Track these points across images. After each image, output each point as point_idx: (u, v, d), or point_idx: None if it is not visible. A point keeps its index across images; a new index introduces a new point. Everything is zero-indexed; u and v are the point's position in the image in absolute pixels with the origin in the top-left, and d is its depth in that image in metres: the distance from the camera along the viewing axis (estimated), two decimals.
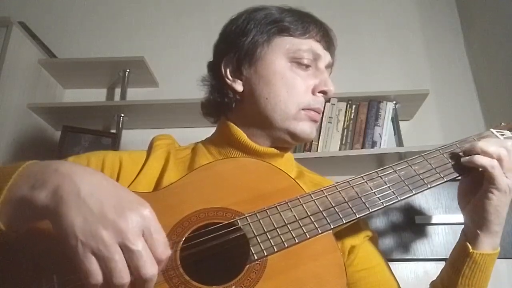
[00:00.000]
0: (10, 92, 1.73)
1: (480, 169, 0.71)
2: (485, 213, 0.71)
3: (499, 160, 0.70)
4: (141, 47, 2.10)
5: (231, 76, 0.84)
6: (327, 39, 0.85)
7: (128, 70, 1.97)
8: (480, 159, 0.71)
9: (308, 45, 0.81)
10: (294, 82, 0.80)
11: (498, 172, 0.70)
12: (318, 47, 0.82)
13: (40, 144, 1.90)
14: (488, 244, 0.73)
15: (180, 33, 2.18)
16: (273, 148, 0.83)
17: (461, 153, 0.76)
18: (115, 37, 2.18)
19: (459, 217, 1.34)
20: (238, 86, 0.83)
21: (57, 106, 1.92)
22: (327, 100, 1.79)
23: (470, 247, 0.73)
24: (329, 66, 0.86)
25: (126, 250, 0.48)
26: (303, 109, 0.80)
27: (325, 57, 0.84)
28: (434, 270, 1.34)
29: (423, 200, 1.38)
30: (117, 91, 2.08)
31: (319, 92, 0.81)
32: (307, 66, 0.81)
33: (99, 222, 0.48)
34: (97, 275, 0.47)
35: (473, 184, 0.75)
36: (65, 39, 2.16)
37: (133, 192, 0.55)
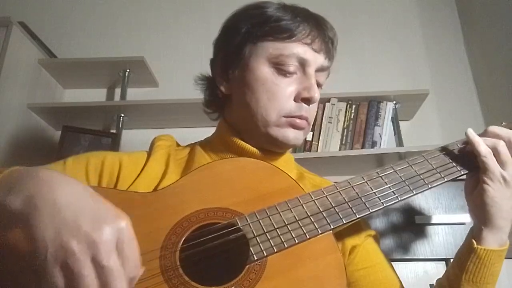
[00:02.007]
0: (10, 92, 1.73)
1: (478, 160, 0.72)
2: (485, 206, 0.70)
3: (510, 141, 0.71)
4: (141, 47, 2.10)
5: (219, 77, 0.84)
6: (320, 40, 0.80)
7: (128, 70, 1.97)
8: (479, 145, 0.71)
9: (293, 50, 0.77)
10: (276, 89, 0.77)
11: (491, 162, 0.70)
12: (305, 51, 0.78)
13: (40, 144, 1.90)
14: (494, 239, 0.71)
15: (180, 33, 2.18)
16: (268, 150, 0.83)
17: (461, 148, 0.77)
18: (115, 37, 2.18)
19: (459, 217, 1.36)
20: (225, 89, 0.84)
21: (57, 106, 1.92)
22: (327, 100, 1.79)
23: (474, 242, 0.71)
24: (323, 70, 0.82)
25: (97, 265, 0.45)
26: (284, 116, 0.78)
27: (315, 61, 0.79)
28: (434, 270, 1.35)
29: (423, 200, 1.39)
30: (117, 91, 2.08)
31: (301, 99, 0.79)
32: (292, 71, 0.78)
33: (72, 233, 0.44)
34: None
35: (478, 181, 0.74)
36: (65, 39, 2.16)
37: (133, 192, 0.53)
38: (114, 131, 1.93)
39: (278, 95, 0.78)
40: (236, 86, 0.82)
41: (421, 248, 1.34)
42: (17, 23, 1.80)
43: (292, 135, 0.79)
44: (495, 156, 0.71)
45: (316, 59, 0.80)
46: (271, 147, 0.83)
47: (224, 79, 0.84)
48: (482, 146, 0.71)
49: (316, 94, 0.78)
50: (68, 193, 0.48)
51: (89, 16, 2.23)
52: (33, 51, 1.90)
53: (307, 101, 0.79)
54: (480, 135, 0.75)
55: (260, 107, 0.78)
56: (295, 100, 0.79)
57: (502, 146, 0.71)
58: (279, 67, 0.78)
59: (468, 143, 0.74)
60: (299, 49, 0.78)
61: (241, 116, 0.82)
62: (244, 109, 0.80)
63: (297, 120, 0.78)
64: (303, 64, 0.79)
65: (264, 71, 0.78)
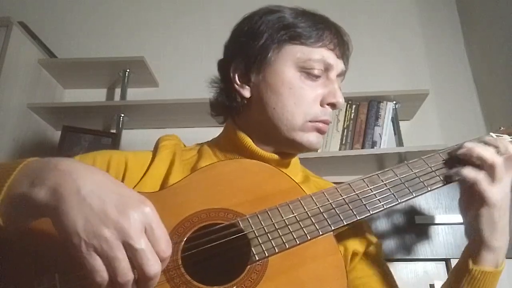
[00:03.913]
0: (10, 92, 1.73)
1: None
2: (480, 231, 0.69)
3: (492, 166, 0.68)
4: (141, 47, 2.10)
5: (239, 81, 0.82)
6: (341, 47, 0.81)
7: (128, 70, 1.97)
8: (465, 172, 0.69)
9: (320, 55, 0.78)
10: (303, 93, 0.77)
11: (484, 186, 0.67)
12: (330, 56, 0.79)
13: (40, 144, 1.90)
14: (490, 260, 0.69)
15: (180, 33, 2.18)
16: (278, 155, 0.82)
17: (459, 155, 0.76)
18: (115, 37, 2.17)
19: (459, 217, 1.34)
20: (246, 92, 0.81)
21: (57, 106, 1.92)
22: None
23: (470, 263, 0.70)
24: (341, 74, 0.83)
25: (129, 248, 0.48)
26: (310, 121, 0.78)
27: (337, 66, 0.81)
28: (434, 270, 1.35)
29: (423, 200, 1.39)
30: (117, 91, 2.08)
31: (327, 104, 0.79)
32: (317, 76, 0.78)
33: (101, 220, 0.48)
34: (103, 273, 0.47)
35: (471, 196, 0.71)
36: (65, 39, 2.16)
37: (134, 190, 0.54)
38: (114, 131, 1.93)
39: (305, 99, 0.78)
40: (259, 90, 0.80)
41: (421, 248, 1.34)
42: (17, 23, 1.79)
43: (316, 140, 0.80)
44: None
45: (338, 64, 0.81)
46: (291, 150, 0.83)
47: (245, 82, 0.82)
48: (470, 172, 0.69)
49: (341, 99, 0.80)
50: (90, 180, 0.51)
51: (89, 16, 2.23)
52: (33, 51, 1.90)
53: (333, 106, 0.80)
54: (466, 154, 0.72)
55: (286, 111, 0.77)
56: (320, 104, 0.79)
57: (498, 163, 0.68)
58: (306, 71, 0.78)
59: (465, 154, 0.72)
60: (325, 54, 0.78)
61: (262, 120, 0.80)
62: (266, 113, 0.79)
63: (321, 125, 0.79)
64: (327, 69, 0.79)
65: (290, 74, 0.78)
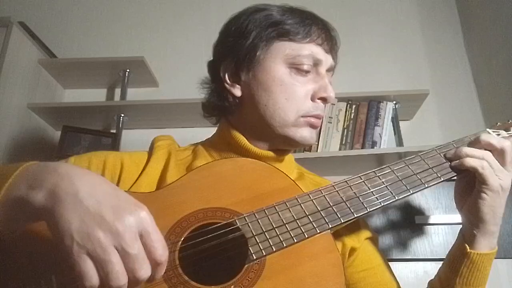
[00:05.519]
0: (10, 92, 1.73)
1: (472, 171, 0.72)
2: (480, 213, 0.72)
3: (503, 151, 0.72)
4: (141, 47, 2.10)
5: (229, 80, 0.83)
6: (329, 41, 0.82)
7: (128, 70, 1.97)
8: (469, 161, 0.72)
9: (309, 50, 0.78)
10: (293, 89, 0.78)
11: (488, 172, 0.70)
12: (319, 51, 0.80)
13: (40, 144, 1.90)
14: (485, 243, 0.73)
15: (180, 33, 2.18)
16: (272, 152, 0.83)
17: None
18: (115, 37, 2.18)
19: (459, 217, 1.34)
20: (237, 91, 0.82)
21: (57, 106, 1.91)
22: None
23: (467, 247, 0.73)
24: (331, 69, 0.84)
25: (123, 253, 0.47)
26: (302, 116, 0.78)
27: (326, 61, 0.81)
28: (434, 270, 1.32)
29: (423, 200, 1.39)
30: (117, 91, 2.08)
31: (318, 99, 0.80)
32: (307, 71, 0.79)
33: (96, 223, 0.47)
34: (92, 277, 0.46)
35: (469, 184, 0.75)
36: (65, 39, 2.16)
37: (131, 193, 0.54)
38: (114, 131, 1.93)
39: (296, 95, 0.78)
40: (249, 88, 0.81)
41: (421, 248, 1.34)
42: (17, 23, 1.79)
43: (309, 135, 0.80)
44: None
45: (327, 59, 0.82)
46: (285, 146, 0.84)
47: (235, 81, 0.82)
48: (473, 160, 0.72)
49: (332, 93, 0.80)
50: (88, 184, 0.51)
51: (89, 16, 2.23)
52: (33, 51, 1.90)
53: (324, 100, 0.81)
54: (472, 143, 0.76)
55: (278, 108, 0.78)
56: (311, 99, 0.80)
57: (490, 157, 0.72)
58: (296, 67, 0.79)
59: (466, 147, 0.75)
60: (313, 49, 0.79)
61: (254, 118, 0.81)
62: (259, 111, 0.79)
63: (313, 120, 0.80)
64: (317, 64, 0.80)
65: (281, 71, 0.79)
